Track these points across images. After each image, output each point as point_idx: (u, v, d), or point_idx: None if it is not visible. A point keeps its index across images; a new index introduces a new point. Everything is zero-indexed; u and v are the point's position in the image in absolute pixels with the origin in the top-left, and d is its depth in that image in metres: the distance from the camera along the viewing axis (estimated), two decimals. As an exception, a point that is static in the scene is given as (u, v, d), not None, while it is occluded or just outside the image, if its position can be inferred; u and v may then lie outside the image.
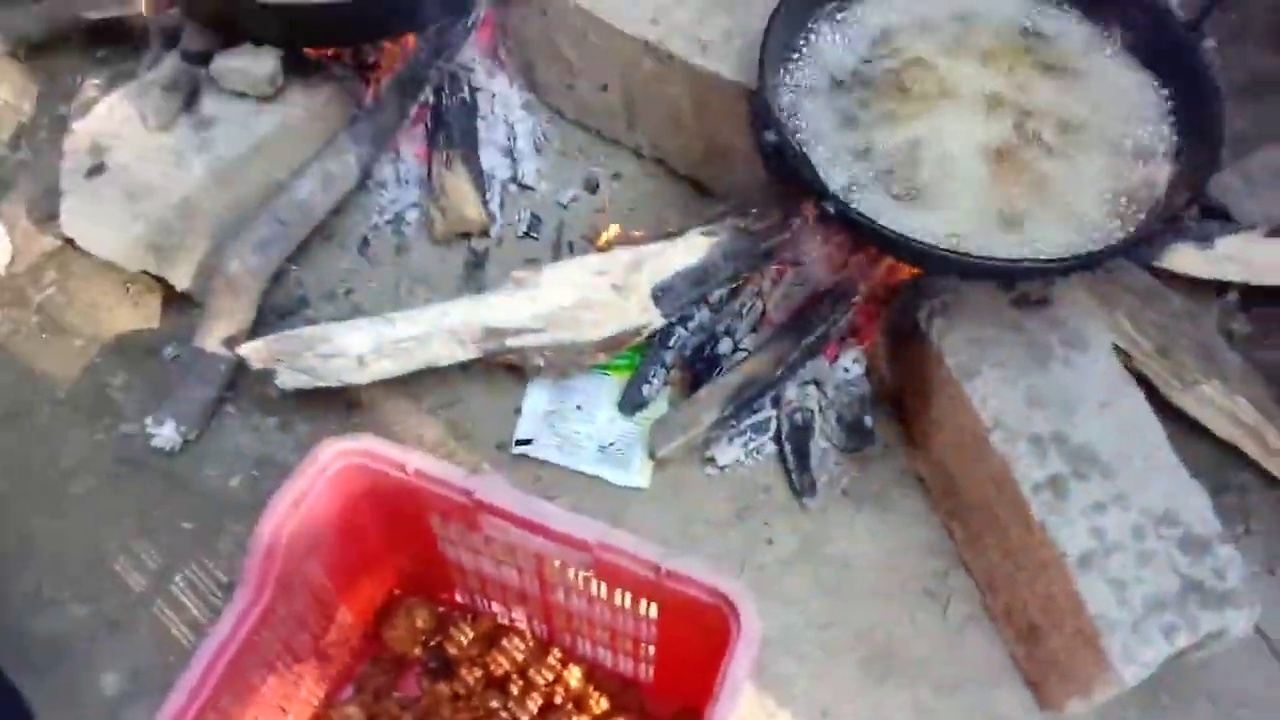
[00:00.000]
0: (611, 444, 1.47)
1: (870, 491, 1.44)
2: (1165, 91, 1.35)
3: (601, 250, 1.54)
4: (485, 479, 0.98)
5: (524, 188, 1.71)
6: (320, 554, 1.04)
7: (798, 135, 1.33)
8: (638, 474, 1.44)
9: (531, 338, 1.45)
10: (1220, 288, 1.55)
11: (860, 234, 1.24)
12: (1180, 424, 1.43)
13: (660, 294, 1.47)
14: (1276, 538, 1.40)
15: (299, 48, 1.56)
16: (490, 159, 1.71)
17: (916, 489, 1.44)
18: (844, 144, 1.33)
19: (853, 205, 1.23)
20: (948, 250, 1.15)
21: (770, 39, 1.31)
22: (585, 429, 1.48)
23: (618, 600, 1.03)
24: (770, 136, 1.23)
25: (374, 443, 1.00)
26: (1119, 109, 1.33)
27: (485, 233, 1.67)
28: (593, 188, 1.72)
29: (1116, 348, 1.35)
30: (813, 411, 1.47)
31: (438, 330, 1.45)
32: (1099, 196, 1.25)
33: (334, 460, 1.00)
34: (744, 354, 1.51)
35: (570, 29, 1.59)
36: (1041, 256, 1.18)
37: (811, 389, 1.48)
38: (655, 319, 1.47)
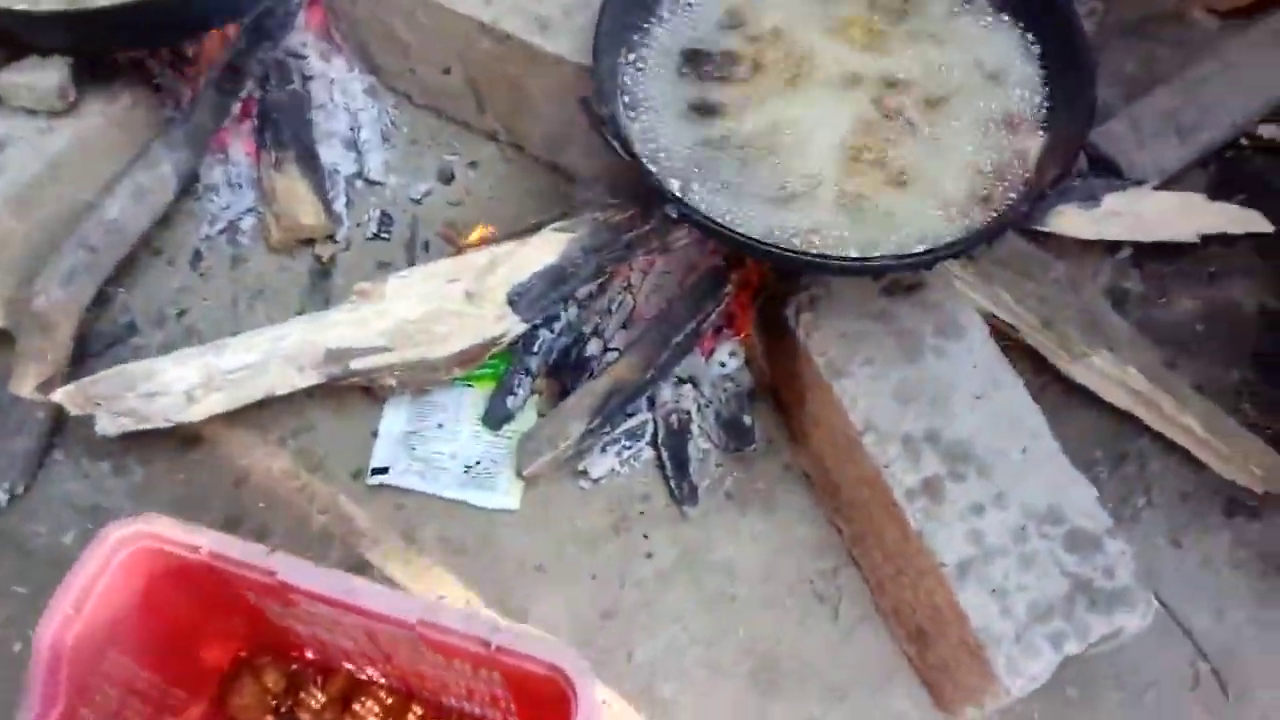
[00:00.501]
0: (477, 463, 1.38)
1: (755, 491, 1.37)
2: (1036, 49, 1.25)
3: (457, 252, 1.42)
4: (287, 560, 0.88)
5: (371, 183, 1.58)
6: (124, 645, 0.94)
7: (641, 122, 1.22)
8: (506, 494, 1.35)
9: (378, 358, 1.34)
10: (1111, 245, 1.48)
11: (710, 235, 1.13)
12: (1074, 394, 1.38)
13: (517, 298, 1.36)
14: (1179, 508, 1.36)
15: (92, 54, 1.39)
16: (332, 153, 1.58)
17: (802, 484, 1.37)
18: (693, 131, 1.22)
19: (699, 203, 1.12)
20: (796, 252, 1.06)
21: (606, 17, 1.19)
22: (448, 448, 1.38)
23: (459, 667, 0.94)
24: (608, 134, 1.11)
25: (161, 524, 0.90)
26: (987, 75, 1.23)
27: (330, 237, 1.54)
28: (447, 178, 1.59)
29: (998, 323, 1.28)
30: (689, 412, 1.38)
31: (273, 357, 1.33)
32: (967, 175, 1.17)
33: (117, 549, 0.89)
34: (615, 354, 1.42)
35: (399, 8, 1.45)
36: (904, 251, 1.09)
37: (687, 388, 1.39)
38: (514, 326, 1.37)
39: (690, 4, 1.32)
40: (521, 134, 1.55)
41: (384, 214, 1.56)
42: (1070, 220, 1.40)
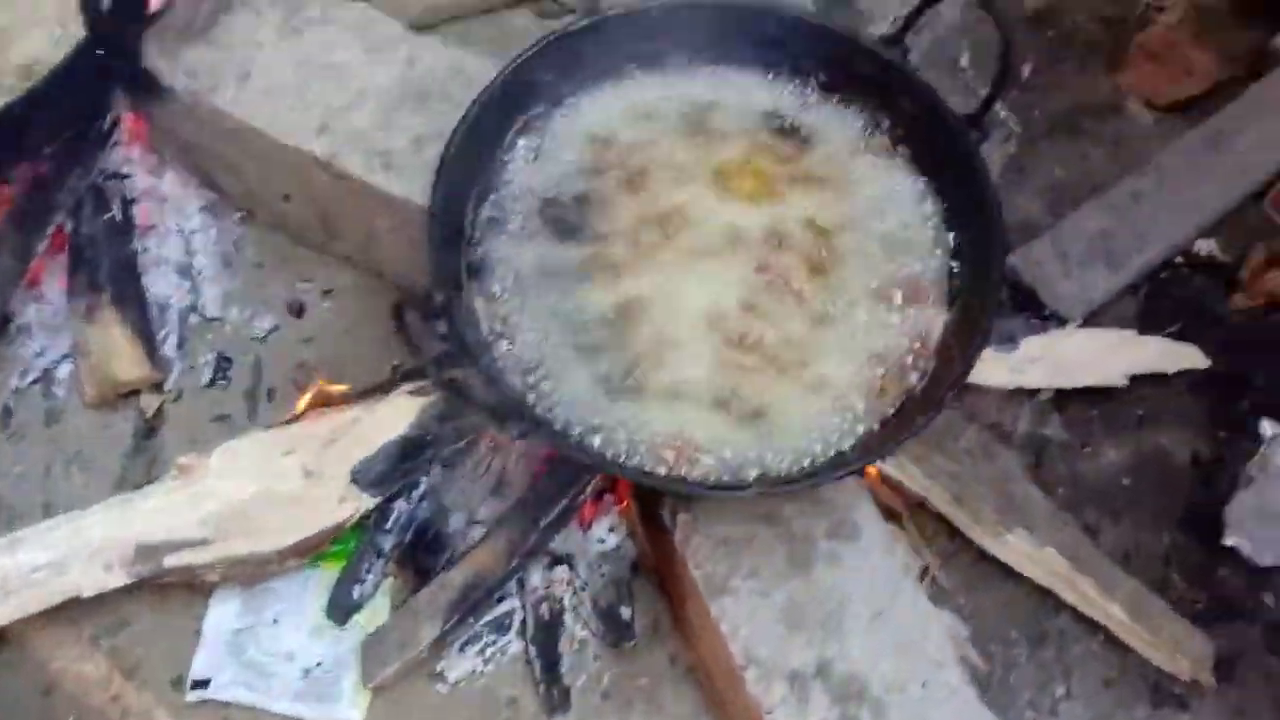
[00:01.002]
0: (318, 665, 1.21)
1: (637, 690, 1.21)
2: (941, 203, 1.10)
3: (298, 415, 1.24)
4: None
5: (208, 320, 1.39)
6: None
7: (487, 296, 1.05)
8: (350, 705, 1.19)
9: (197, 553, 1.17)
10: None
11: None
12: (990, 562, 1.25)
13: (360, 475, 1.19)
14: (1102, 695, 1.23)
15: None
16: (163, 284, 1.39)
17: (691, 679, 1.21)
18: (546, 305, 1.06)
19: (550, 402, 0.96)
20: (651, 475, 0.90)
21: (446, 177, 1.02)
22: (284, 647, 1.21)
23: None
24: (439, 332, 0.95)
25: None
26: (888, 234, 1.08)
27: (158, 386, 1.35)
28: (298, 311, 1.41)
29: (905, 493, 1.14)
30: (562, 600, 1.22)
31: (75, 555, 1.15)
32: (861, 362, 1.02)
33: None
34: (481, 528, 1.25)
35: (226, 133, 1.26)
36: (783, 468, 0.94)
37: (561, 570, 1.24)
38: (363, 504, 1.20)
39: (550, 137, 1.14)
40: (379, 262, 1.38)
41: (222, 356, 1.38)
42: (984, 368, 1.25)
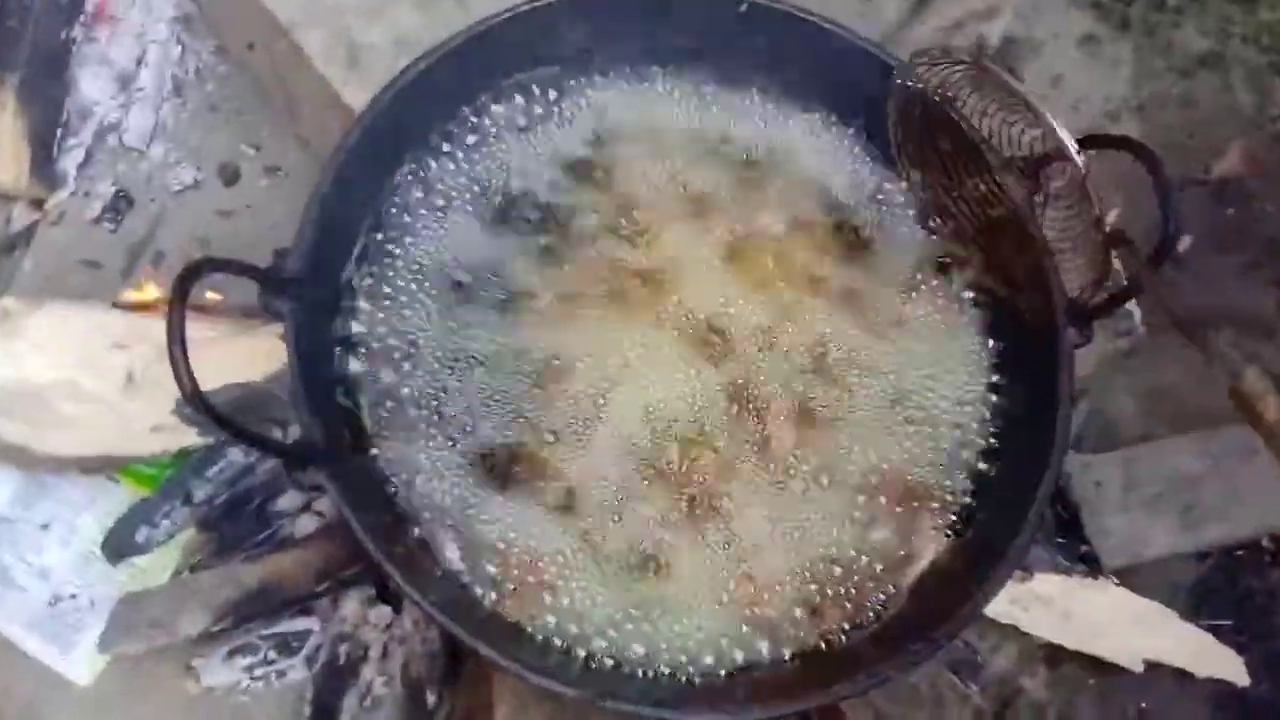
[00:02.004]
0: (72, 597, 1.00)
1: (413, 783, 0.98)
2: (1000, 393, 0.83)
3: (145, 303, 1.01)
4: None
5: (126, 148, 1.16)
6: None
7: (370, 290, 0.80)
8: (79, 663, 0.98)
9: (-32, 419, 0.94)
10: (1025, 628, 1.07)
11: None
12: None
13: (189, 410, 0.96)
14: None
15: None
16: (93, 87, 1.17)
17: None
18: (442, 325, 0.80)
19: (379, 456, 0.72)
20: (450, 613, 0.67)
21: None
22: (42, 561, 1.00)
23: None
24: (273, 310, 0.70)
25: None
26: (915, 402, 0.81)
27: (39, 202, 1.12)
28: (231, 178, 1.17)
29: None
30: (368, 648, 0.99)
31: None
32: (805, 564, 0.75)
33: None
34: (312, 521, 1.02)
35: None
36: (636, 666, 0.69)
37: (381, 613, 1.00)
38: (178, 442, 0.97)
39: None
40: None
41: (123, 195, 1.15)
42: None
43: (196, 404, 0.61)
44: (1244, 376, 0.56)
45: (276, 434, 1.04)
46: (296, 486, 0.68)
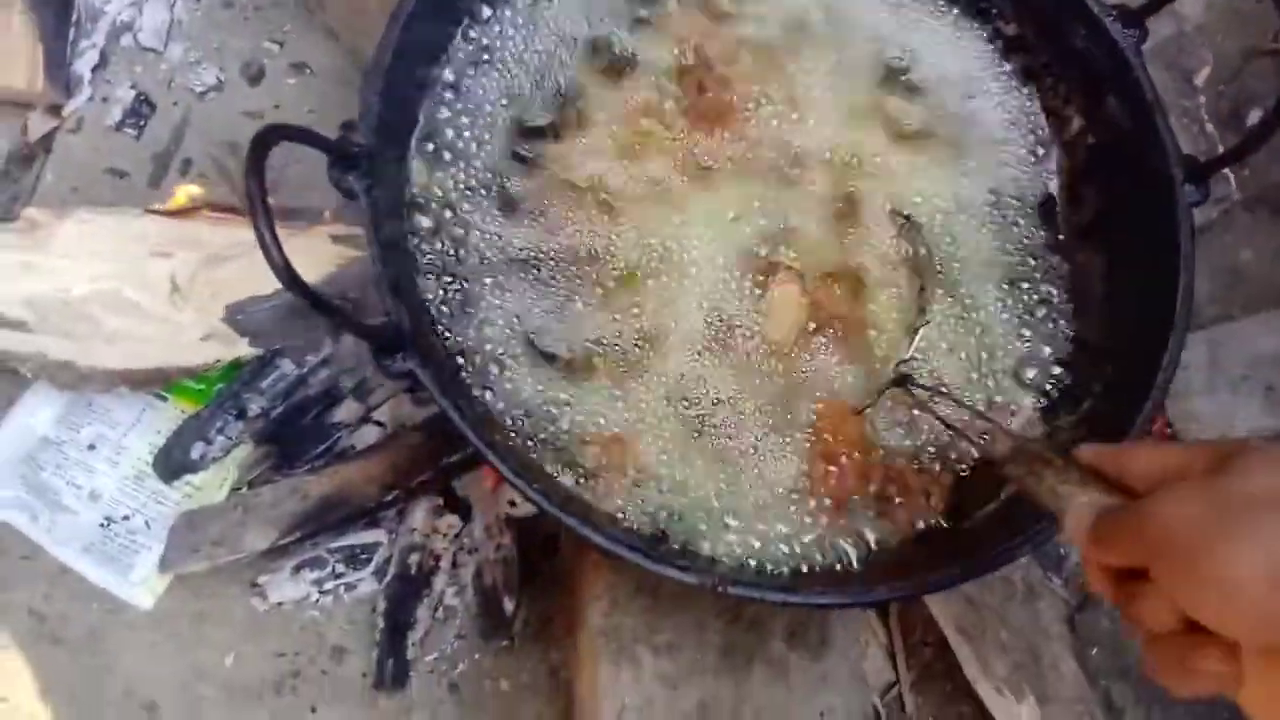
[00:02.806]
0: (125, 519, 0.97)
1: (492, 693, 0.98)
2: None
3: (186, 209, 0.96)
4: None
5: (143, 48, 1.09)
6: None
7: (440, 159, 0.75)
8: (140, 586, 0.95)
9: (7, 336, 0.90)
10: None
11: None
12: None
13: (239, 316, 0.92)
14: None
15: None
16: (104, -17, 1.08)
17: (560, 708, 0.97)
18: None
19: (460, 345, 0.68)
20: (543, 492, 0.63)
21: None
22: (92, 483, 0.96)
23: None
24: (344, 188, 0.65)
25: None
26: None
27: (56, 108, 1.06)
28: (255, 76, 1.10)
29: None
30: (439, 558, 0.96)
31: None
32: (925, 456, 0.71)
33: None
34: (374, 431, 0.99)
35: None
36: (738, 558, 0.66)
37: (450, 521, 0.97)
38: (232, 354, 0.93)
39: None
40: (365, 50, 1.06)
41: (143, 98, 1.09)
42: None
43: (291, 283, 0.56)
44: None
45: (326, 343, 1.00)
46: (385, 374, 0.63)
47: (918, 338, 0.74)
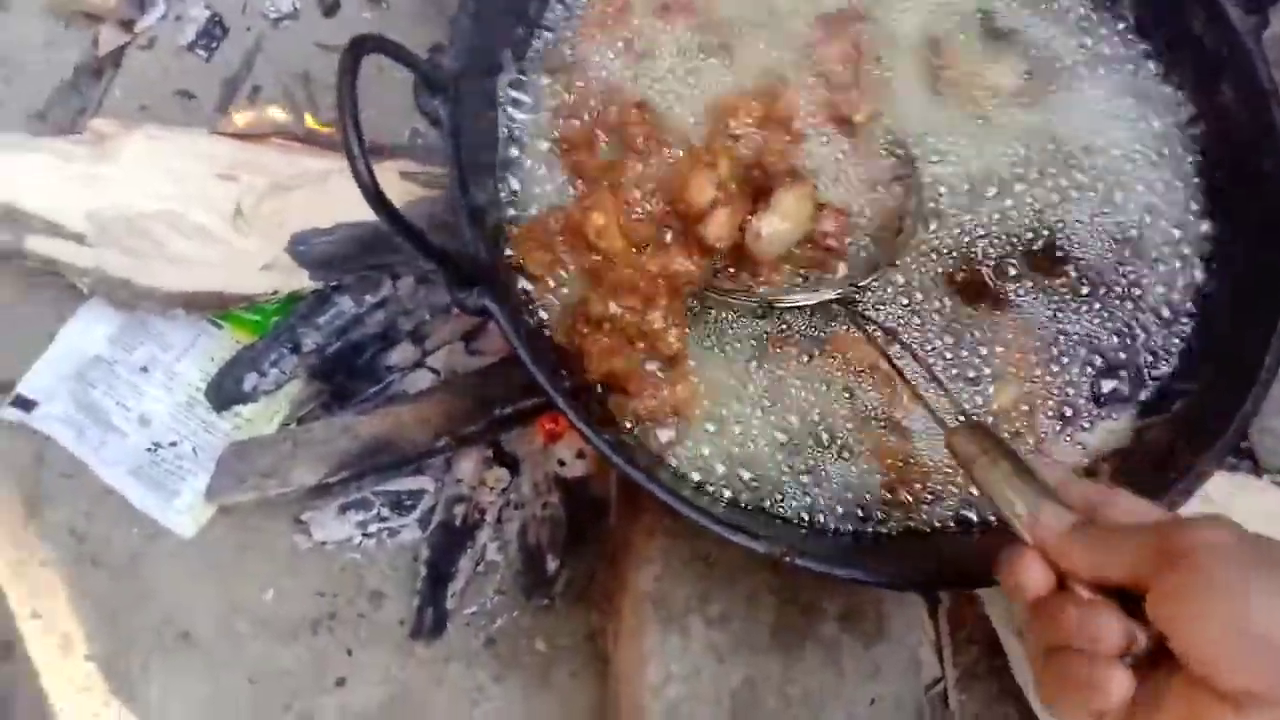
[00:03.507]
0: (172, 444, 0.96)
1: (528, 653, 0.96)
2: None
3: (256, 135, 0.94)
4: None
5: (220, -32, 1.07)
6: None
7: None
8: (184, 513, 0.95)
9: (67, 248, 0.89)
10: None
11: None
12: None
13: (303, 246, 0.90)
14: None
15: None
16: (187, -104, 1.06)
17: (594, 670, 0.95)
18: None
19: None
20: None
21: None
22: (142, 406, 0.96)
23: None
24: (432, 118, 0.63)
25: None
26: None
27: (128, 23, 1.04)
28: (331, 7, 1.08)
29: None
30: (485, 511, 0.95)
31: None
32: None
33: None
34: (428, 376, 0.97)
35: None
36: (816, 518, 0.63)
37: (499, 474, 0.96)
38: (293, 284, 0.91)
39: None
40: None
41: (217, 20, 1.07)
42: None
43: (377, 202, 0.54)
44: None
45: (386, 284, 0.99)
46: (461, 308, 0.61)
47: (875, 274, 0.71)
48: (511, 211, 0.72)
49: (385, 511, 0.96)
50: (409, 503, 0.97)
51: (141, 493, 0.94)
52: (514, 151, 0.73)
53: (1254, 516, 0.99)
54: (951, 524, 0.69)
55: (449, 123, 0.65)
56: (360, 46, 0.55)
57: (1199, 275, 0.76)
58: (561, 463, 0.96)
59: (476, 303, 0.62)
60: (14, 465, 0.95)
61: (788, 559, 0.62)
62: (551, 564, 0.93)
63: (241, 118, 0.95)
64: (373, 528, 0.96)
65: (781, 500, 0.67)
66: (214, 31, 1.06)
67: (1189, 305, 0.76)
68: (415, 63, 0.63)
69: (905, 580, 0.66)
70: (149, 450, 0.96)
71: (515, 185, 0.73)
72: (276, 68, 1.06)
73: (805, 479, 0.67)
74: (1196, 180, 0.78)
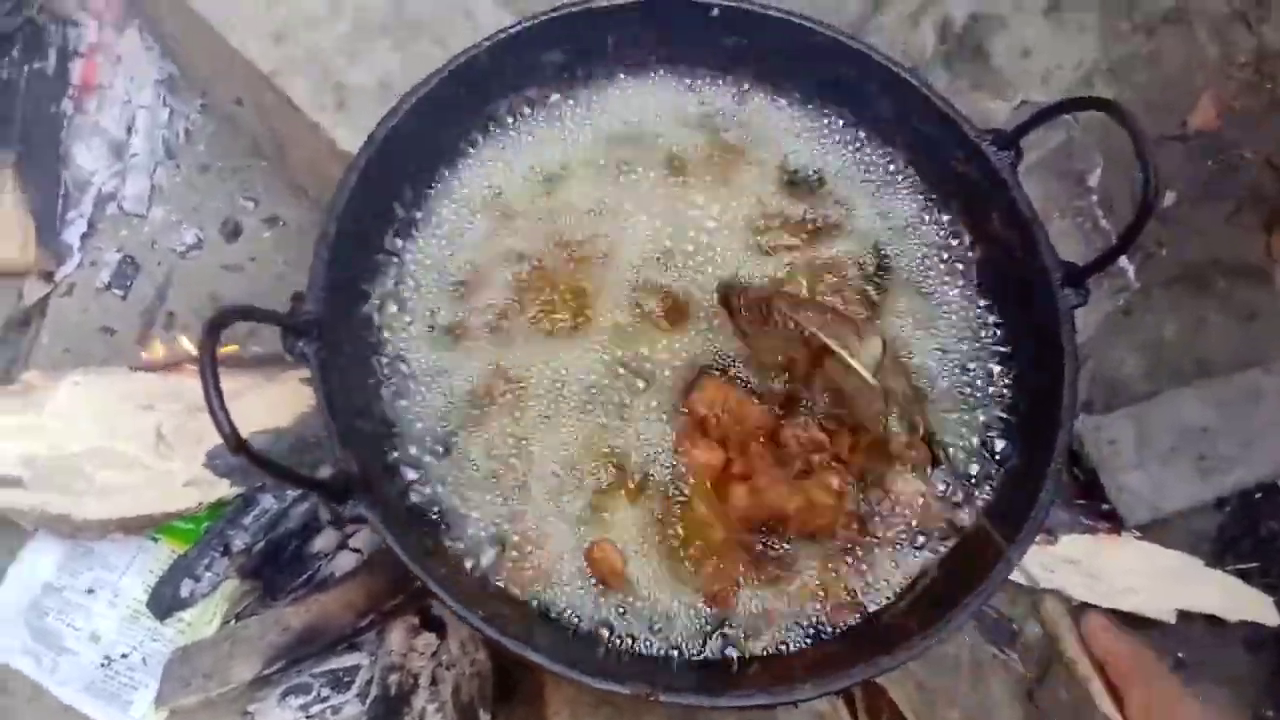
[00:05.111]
0: (123, 657, 1.04)
1: (473, 804, 1.02)
2: (1003, 349, 0.87)
3: (167, 363, 1.05)
4: None
5: (126, 214, 1.20)
6: None
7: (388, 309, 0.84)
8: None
9: (8, 493, 0.99)
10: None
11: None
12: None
13: (218, 460, 1.00)
14: None
15: None
16: (89, 157, 1.21)
17: (540, 813, 1.02)
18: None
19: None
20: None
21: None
22: (92, 626, 1.04)
23: None
24: (297, 353, 0.74)
25: None
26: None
27: (48, 275, 1.16)
28: (232, 232, 1.21)
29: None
30: (418, 676, 1.03)
31: None
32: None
33: None
34: (351, 557, 1.06)
35: (175, 16, 1.05)
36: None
37: (426, 640, 1.04)
38: (213, 495, 1.01)
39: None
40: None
41: (129, 260, 1.19)
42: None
43: (238, 449, 0.64)
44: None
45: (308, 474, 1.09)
46: (335, 522, 0.71)
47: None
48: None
49: (325, 691, 1.04)
50: (346, 679, 1.05)
51: (97, 706, 1.02)
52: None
53: (1123, 567, 1.09)
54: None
55: (314, 360, 0.76)
56: (219, 322, 0.67)
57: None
58: (481, 621, 1.05)
59: (352, 512, 0.73)
60: (-24, 696, 1.02)
61: (651, 698, 0.71)
62: (485, 719, 1.01)
63: (156, 352, 1.07)
64: (315, 709, 1.03)
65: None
66: (127, 271, 1.18)
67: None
68: (276, 320, 0.74)
69: (781, 696, 0.75)
70: (101, 665, 1.04)
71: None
72: (188, 294, 1.18)
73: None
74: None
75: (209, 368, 0.64)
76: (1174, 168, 1.29)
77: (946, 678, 0.97)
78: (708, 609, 0.78)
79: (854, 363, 0.76)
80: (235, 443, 0.64)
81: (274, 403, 1.02)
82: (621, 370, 0.83)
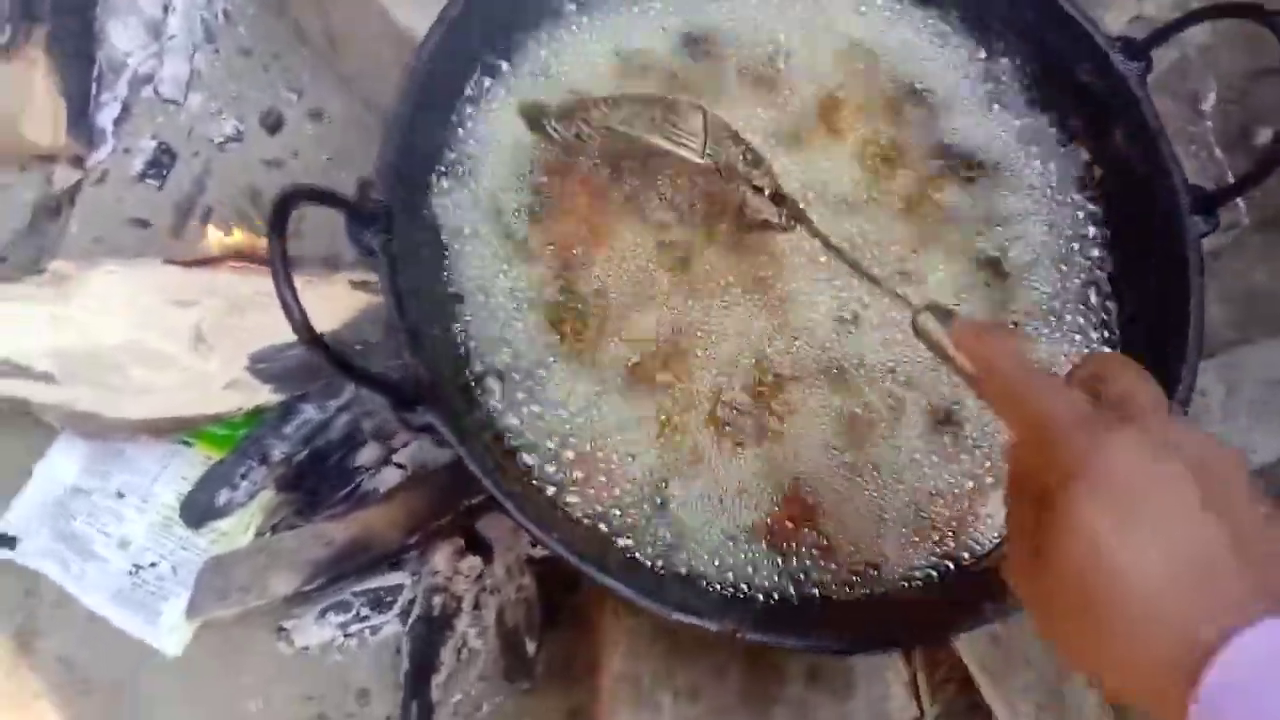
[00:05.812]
0: (152, 565, 0.99)
1: (514, 733, 0.98)
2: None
3: (211, 258, 0.98)
4: None
5: (163, 100, 1.12)
6: None
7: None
8: (168, 631, 0.98)
9: (33, 388, 0.93)
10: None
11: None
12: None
13: (262, 364, 0.94)
14: None
15: None
16: (124, 37, 1.13)
17: (582, 747, 0.98)
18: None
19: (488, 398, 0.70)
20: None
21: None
22: (119, 530, 0.99)
23: None
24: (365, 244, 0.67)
25: None
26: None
27: (79, 160, 1.09)
28: (274, 125, 1.14)
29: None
30: (462, 599, 0.98)
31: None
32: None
33: None
34: (396, 473, 1.01)
35: None
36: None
37: (472, 562, 0.99)
38: (256, 398, 0.95)
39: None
40: (382, 100, 1.09)
41: (164, 148, 1.12)
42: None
43: (313, 341, 0.58)
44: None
45: (348, 389, 1.02)
46: (405, 428, 0.65)
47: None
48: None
49: (365, 610, 0.99)
50: (388, 599, 1.00)
51: (126, 616, 0.97)
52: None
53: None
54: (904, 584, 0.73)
55: (382, 254, 0.69)
56: (288, 201, 0.60)
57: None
58: (533, 544, 1.00)
59: (421, 420, 0.66)
60: (5, 602, 0.97)
61: (738, 634, 0.65)
62: (530, 646, 0.97)
63: (195, 244, 1.00)
64: (354, 628, 0.99)
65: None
66: (163, 160, 1.11)
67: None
68: (344, 205, 0.67)
69: (868, 643, 0.70)
70: (130, 573, 0.99)
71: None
72: (226, 188, 1.11)
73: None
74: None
75: (278, 253, 0.58)
76: (1275, 102, 1.20)
77: (1027, 634, 0.92)
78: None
79: (672, 147, 0.73)
80: (309, 334, 0.58)
81: (318, 307, 0.95)
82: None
